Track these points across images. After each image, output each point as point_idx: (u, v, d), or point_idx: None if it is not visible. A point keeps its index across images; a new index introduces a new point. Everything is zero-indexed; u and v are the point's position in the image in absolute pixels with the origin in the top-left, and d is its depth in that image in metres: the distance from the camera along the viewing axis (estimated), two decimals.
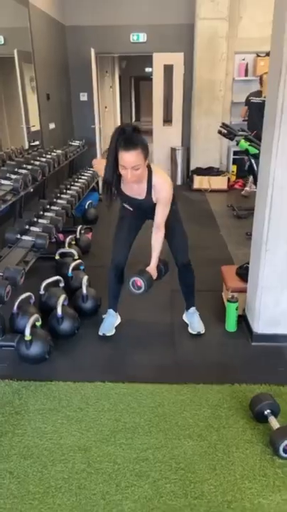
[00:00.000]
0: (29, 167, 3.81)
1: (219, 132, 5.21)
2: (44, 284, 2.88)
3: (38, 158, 4.29)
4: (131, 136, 2.05)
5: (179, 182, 7.02)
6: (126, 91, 16.03)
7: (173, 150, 6.92)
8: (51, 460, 1.82)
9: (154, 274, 2.42)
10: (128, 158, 2.04)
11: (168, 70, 6.79)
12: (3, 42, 5.24)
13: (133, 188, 2.30)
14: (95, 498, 1.65)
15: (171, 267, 2.64)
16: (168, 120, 7.12)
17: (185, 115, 6.93)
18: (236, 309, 2.71)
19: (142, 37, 6.55)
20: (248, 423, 2.00)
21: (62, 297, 2.66)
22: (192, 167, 6.85)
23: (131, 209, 2.49)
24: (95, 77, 6.26)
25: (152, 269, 2.42)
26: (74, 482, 1.72)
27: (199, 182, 6.52)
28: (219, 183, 6.52)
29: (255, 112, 5.47)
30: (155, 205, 2.34)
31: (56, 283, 2.95)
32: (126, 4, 6.36)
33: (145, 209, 2.41)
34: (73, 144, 5.99)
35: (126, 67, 14.83)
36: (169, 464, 1.79)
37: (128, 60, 14.24)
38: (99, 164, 2.38)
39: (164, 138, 7.06)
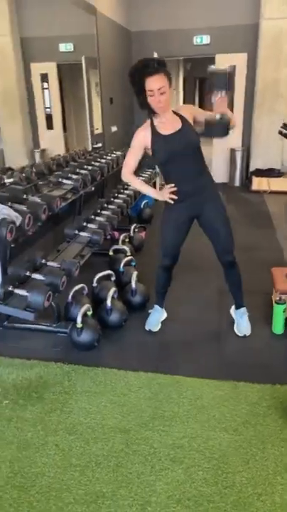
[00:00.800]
0: (89, 168, 4.03)
1: (280, 133, 5.12)
2: (97, 277, 3.06)
3: (99, 159, 4.52)
4: (152, 63, 2.20)
5: (237, 183, 6.95)
6: (191, 93, 16.06)
7: (233, 151, 6.87)
8: (93, 438, 1.96)
9: None
10: (153, 81, 2.18)
11: (231, 70, 6.75)
12: (73, 49, 5.58)
13: (168, 122, 2.33)
14: (131, 476, 1.76)
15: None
16: None
17: (246, 115, 6.85)
18: (284, 311, 2.69)
19: (205, 39, 6.59)
20: (286, 422, 2.01)
21: (112, 290, 2.81)
22: (252, 168, 6.76)
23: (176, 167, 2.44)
24: None
25: None
26: (113, 460, 1.84)
27: (258, 183, 6.42)
28: (280, 184, 6.36)
29: None
30: (198, 144, 2.38)
31: (108, 277, 3.11)
32: (189, 8, 6.43)
33: (189, 154, 2.38)
34: None
35: (191, 69, 14.88)
36: (203, 453, 1.86)
37: (194, 62, 14.26)
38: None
39: (224, 139, 6.99)
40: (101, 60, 5.37)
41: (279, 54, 6.19)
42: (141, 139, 2.42)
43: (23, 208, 2.63)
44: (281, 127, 5.10)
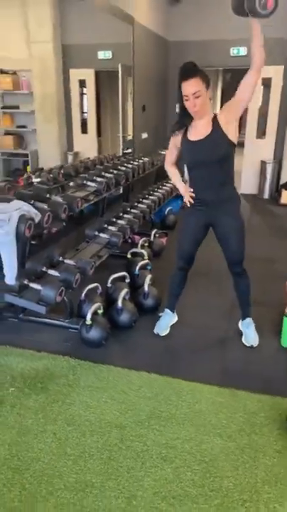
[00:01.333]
0: (115, 172, 4.14)
1: None
2: (111, 278, 3.14)
3: (125, 164, 4.62)
4: (189, 68, 2.23)
5: (266, 196, 6.89)
6: None
7: (263, 163, 6.82)
8: (90, 430, 2.03)
9: None
10: (188, 85, 2.20)
11: (267, 82, 6.73)
12: (111, 57, 5.76)
13: (201, 128, 2.32)
14: (121, 470, 1.82)
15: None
16: (262, 133, 7.04)
17: (280, 128, 6.80)
18: None
19: (242, 51, 6.61)
20: (282, 434, 2.00)
21: (124, 291, 2.88)
22: (282, 181, 6.69)
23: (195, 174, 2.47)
24: None
25: None
26: (106, 453, 1.90)
27: None
28: None
29: None
30: (223, 155, 2.34)
31: (123, 278, 3.19)
32: (227, 19, 6.39)
33: (212, 163, 2.35)
34: (162, 152, 6.27)
35: (230, 79, 14.88)
36: (194, 456, 1.88)
37: (233, 73, 14.25)
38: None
39: (255, 151, 6.99)
40: (136, 68, 5.50)
41: None
42: (175, 139, 2.50)
43: (44, 206, 2.75)
44: None
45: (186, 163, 2.48)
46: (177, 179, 2.68)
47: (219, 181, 2.44)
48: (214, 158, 2.35)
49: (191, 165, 2.46)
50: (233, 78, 14.83)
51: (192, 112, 2.30)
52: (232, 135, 2.33)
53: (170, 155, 2.63)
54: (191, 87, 2.21)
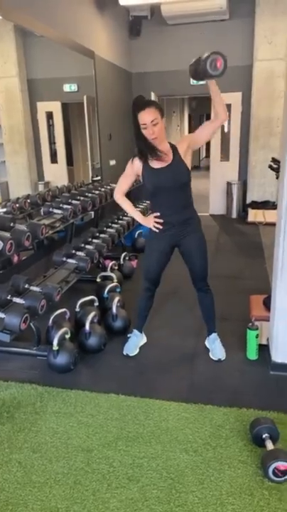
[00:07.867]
0: (81, 198, 4.22)
1: (270, 167, 5.28)
2: (79, 302, 3.16)
3: (93, 191, 4.72)
4: (143, 99, 2.41)
5: (234, 215, 7.09)
6: (196, 129, 16.60)
7: (229, 184, 7.06)
8: (56, 456, 2.01)
9: None
10: (145, 114, 2.34)
11: (227, 108, 7.05)
12: (77, 89, 5.96)
13: (160, 155, 2.44)
14: (86, 493, 1.80)
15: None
16: (226, 155, 7.31)
17: (242, 150, 7.08)
18: (257, 337, 2.74)
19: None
20: (246, 445, 2.03)
21: (91, 315, 2.90)
22: (248, 201, 6.92)
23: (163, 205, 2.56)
24: None
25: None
26: (72, 477, 1.89)
27: (254, 215, 6.55)
28: (275, 216, 6.46)
29: None
30: (185, 181, 2.50)
31: (91, 302, 3.21)
32: (188, 51, 6.80)
33: (175, 188, 2.49)
34: None
35: (196, 107, 15.46)
36: (160, 473, 1.89)
37: (199, 100, 14.83)
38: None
39: (221, 173, 7.23)
40: (100, 99, 5.70)
41: (272, 93, 6.47)
42: (134, 167, 2.58)
43: (7, 234, 2.78)
44: (271, 161, 5.27)
45: (150, 189, 2.56)
46: (132, 209, 2.74)
47: (181, 205, 2.57)
48: (177, 183, 2.49)
49: (156, 190, 2.55)
50: (198, 105, 15.45)
51: (150, 140, 2.41)
52: (189, 163, 2.52)
53: (125, 184, 2.68)
54: (148, 115, 2.35)
